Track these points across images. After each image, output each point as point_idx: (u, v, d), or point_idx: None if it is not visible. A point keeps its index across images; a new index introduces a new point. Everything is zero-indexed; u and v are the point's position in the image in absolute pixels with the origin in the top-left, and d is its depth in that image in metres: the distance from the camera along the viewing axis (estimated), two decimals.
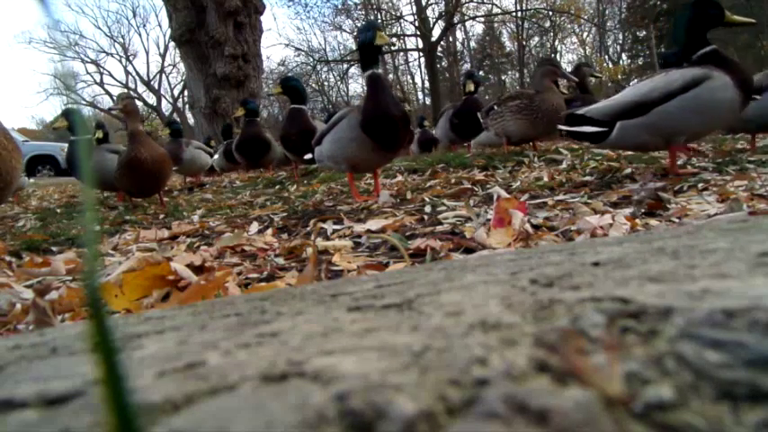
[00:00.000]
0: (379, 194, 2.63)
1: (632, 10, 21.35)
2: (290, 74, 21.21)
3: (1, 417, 0.28)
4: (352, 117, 2.68)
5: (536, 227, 1.58)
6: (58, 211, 4.05)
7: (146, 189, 3.62)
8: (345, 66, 21.32)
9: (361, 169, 2.91)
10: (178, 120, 6.72)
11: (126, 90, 22.73)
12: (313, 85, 22.39)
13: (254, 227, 2.26)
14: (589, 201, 1.96)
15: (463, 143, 5.95)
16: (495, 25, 23.29)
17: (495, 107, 4.15)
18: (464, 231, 1.62)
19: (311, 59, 21.70)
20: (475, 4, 19.94)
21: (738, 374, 0.25)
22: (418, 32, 19.62)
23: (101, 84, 25.99)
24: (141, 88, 25.35)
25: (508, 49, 24.68)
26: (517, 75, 23.01)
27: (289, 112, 4.16)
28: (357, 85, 24.86)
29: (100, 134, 4.41)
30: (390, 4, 21.84)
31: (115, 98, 3.92)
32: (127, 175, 3.51)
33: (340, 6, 21.84)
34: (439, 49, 19.93)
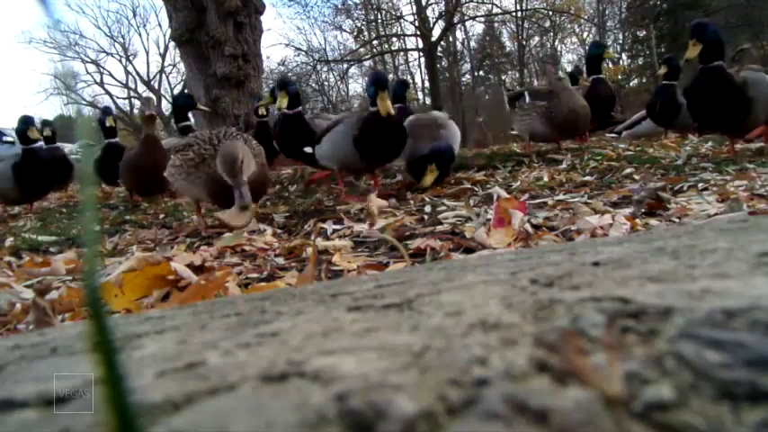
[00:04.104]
0: (369, 195, 2.64)
1: (632, 10, 21.34)
2: (289, 74, 21.21)
3: (1, 417, 0.28)
4: (348, 125, 2.73)
5: (536, 227, 1.58)
6: (62, 210, 4.04)
7: (147, 190, 3.69)
8: (345, 66, 21.33)
9: (352, 172, 2.98)
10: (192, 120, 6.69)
11: (152, 96, 22.78)
12: (313, 85, 22.39)
13: (255, 227, 2.26)
14: (589, 201, 1.96)
15: None
16: (495, 25, 23.30)
17: (518, 104, 3.99)
18: (464, 231, 1.62)
19: (311, 59, 21.71)
20: (475, 4, 19.94)
21: (738, 374, 0.25)
22: (418, 32, 19.60)
23: (101, 84, 25.96)
24: (141, 88, 25.34)
25: (508, 49, 24.67)
26: (517, 75, 23.02)
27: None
28: (357, 85, 24.84)
29: (111, 122, 4.26)
30: (390, 4, 21.84)
31: (144, 101, 3.99)
32: (131, 175, 3.58)
33: (340, 6, 21.81)
34: (439, 49, 19.93)
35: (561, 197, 2.12)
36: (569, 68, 5.12)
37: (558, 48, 23.93)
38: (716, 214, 1.49)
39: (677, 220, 1.53)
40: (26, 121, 3.65)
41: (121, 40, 25.72)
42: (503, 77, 25.22)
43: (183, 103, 4.16)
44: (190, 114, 4.37)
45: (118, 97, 25.10)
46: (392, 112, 2.69)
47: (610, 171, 2.72)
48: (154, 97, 22.94)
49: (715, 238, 0.55)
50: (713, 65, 2.61)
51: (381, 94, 2.64)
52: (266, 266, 1.46)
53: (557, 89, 3.68)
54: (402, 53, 22.49)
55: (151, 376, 0.31)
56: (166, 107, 24.28)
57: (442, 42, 20.00)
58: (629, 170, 2.65)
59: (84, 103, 22.79)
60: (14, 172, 3.56)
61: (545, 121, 3.72)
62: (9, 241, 2.47)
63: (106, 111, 4.64)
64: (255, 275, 1.39)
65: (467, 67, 24.31)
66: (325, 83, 23.55)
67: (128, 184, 3.76)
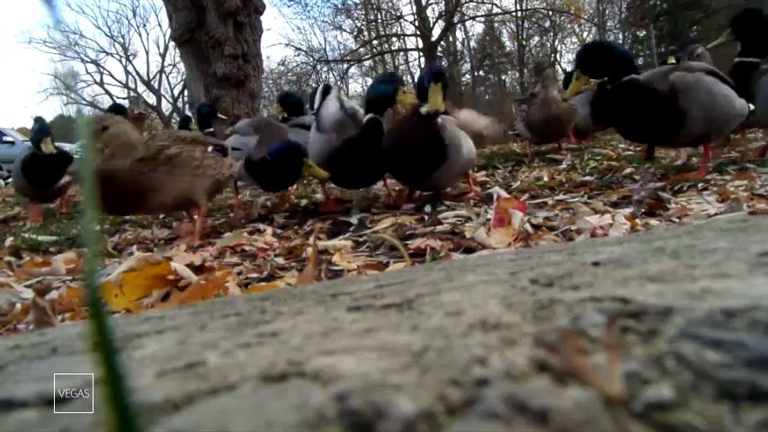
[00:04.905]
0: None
1: (632, 10, 21.33)
2: (289, 74, 21.19)
3: (1, 417, 0.28)
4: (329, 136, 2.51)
5: (536, 227, 1.58)
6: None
7: None
8: (345, 66, 21.33)
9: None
10: (191, 115, 6.72)
11: (140, 95, 22.71)
12: (313, 85, 22.39)
13: (255, 226, 2.26)
14: (589, 201, 1.96)
15: None
16: (495, 25, 23.29)
17: (521, 105, 4.01)
18: (464, 231, 1.62)
19: (311, 59, 21.71)
20: (475, 4, 19.94)
21: (738, 374, 0.25)
22: (418, 32, 19.61)
23: (101, 84, 25.94)
24: (141, 88, 25.31)
25: (508, 48, 24.67)
26: (517, 75, 23.01)
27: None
28: (357, 85, 24.83)
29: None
30: (390, 4, 21.83)
31: (133, 100, 4.11)
32: None
33: (340, 6, 21.80)
34: (439, 49, 19.93)
35: (561, 197, 2.12)
36: (569, 68, 5.07)
37: (558, 48, 23.92)
38: (716, 214, 1.49)
39: (677, 220, 1.53)
40: (41, 131, 3.51)
41: (121, 40, 25.72)
42: (503, 77, 25.21)
43: (206, 113, 4.60)
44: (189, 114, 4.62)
45: (118, 97, 25.10)
46: (326, 175, 2.43)
47: (610, 171, 2.72)
48: (153, 96, 22.89)
49: (715, 238, 0.55)
50: (624, 80, 2.16)
51: (306, 162, 2.41)
52: (266, 266, 1.46)
53: (538, 94, 3.65)
54: (402, 53, 22.48)
55: (151, 376, 0.31)
56: (166, 107, 24.30)
57: (441, 42, 19.99)
58: (629, 170, 2.65)
59: (84, 103, 22.77)
60: (23, 167, 3.55)
61: (525, 124, 3.73)
62: (9, 241, 2.47)
63: (119, 108, 4.59)
64: (255, 275, 1.39)
65: (467, 67, 24.31)
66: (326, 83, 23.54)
67: None
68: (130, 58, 25.53)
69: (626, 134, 2.36)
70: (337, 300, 0.48)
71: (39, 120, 3.66)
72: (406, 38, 21.43)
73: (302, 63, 21.49)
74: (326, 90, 3.01)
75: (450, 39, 21.53)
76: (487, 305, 0.38)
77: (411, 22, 20.23)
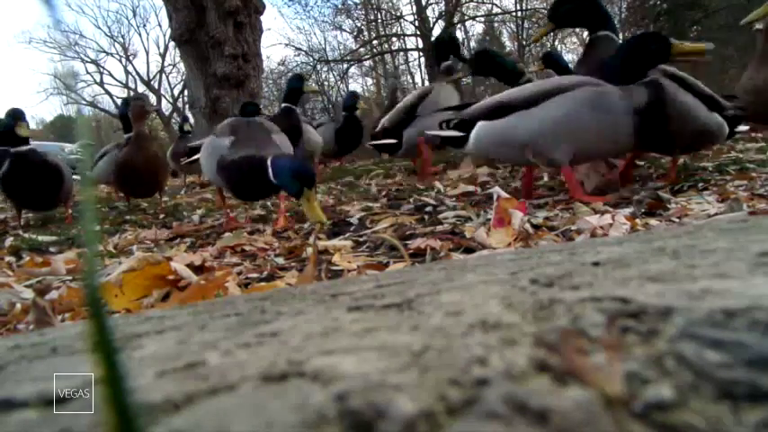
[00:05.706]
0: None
1: (632, 10, 21.32)
2: (289, 74, 21.19)
3: (1, 417, 0.28)
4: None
5: (536, 227, 1.58)
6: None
7: (140, 191, 3.60)
8: (345, 66, 21.31)
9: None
10: (190, 117, 6.71)
11: (138, 92, 22.77)
12: (313, 85, 22.38)
13: (255, 226, 2.26)
14: None
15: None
16: (495, 25, 23.27)
17: None
18: (464, 231, 1.62)
19: (311, 59, 21.69)
20: (475, 4, 19.94)
21: (738, 374, 0.25)
22: (418, 32, 19.60)
23: (101, 84, 25.95)
24: (141, 88, 25.29)
25: (508, 48, 24.65)
26: None
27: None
28: (357, 85, 24.79)
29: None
30: (390, 4, 21.81)
31: (140, 96, 4.10)
32: (121, 176, 3.48)
33: (340, 6, 21.79)
34: None
35: (561, 197, 2.12)
36: (571, 68, 5.03)
37: (559, 48, 23.91)
38: (716, 214, 1.49)
39: (677, 220, 1.53)
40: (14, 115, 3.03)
41: (121, 40, 25.72)
42: None
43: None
44: (189, 116, 4.64)
45: (118, 97, 25.09)
46: (324, 220, 1.87)
47: (609, 170, 2.71)
48: (152, 94, 22.94)
49: (715, 238, 0.55)
50: (601, 34, 1.97)
51: (308, 193, 1.89)
52: (266, 266, 1.46)
53: None
54: (402, 53, 22.47)
55: (151, 376, 0.31)
56: (166, 107, 24.31)
57: None
58: None
59: (84, 103, 22.78)
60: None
61: None
62: (9, 241, 2.47)
63: (129, 102, 4.41)
64: (255, 275, 1.39)
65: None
66: (325, 83, 23.52)
67: (120, 186, 3.65)
68: (130, 58, 25.55)
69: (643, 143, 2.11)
70: (337, 300, 0.48)
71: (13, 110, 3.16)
72: (406, 38, 21.41)
73: (302, 63, 21.46)
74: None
75: None
76: (487, 305, 0.38)
77: (411, 22, 20.23)
